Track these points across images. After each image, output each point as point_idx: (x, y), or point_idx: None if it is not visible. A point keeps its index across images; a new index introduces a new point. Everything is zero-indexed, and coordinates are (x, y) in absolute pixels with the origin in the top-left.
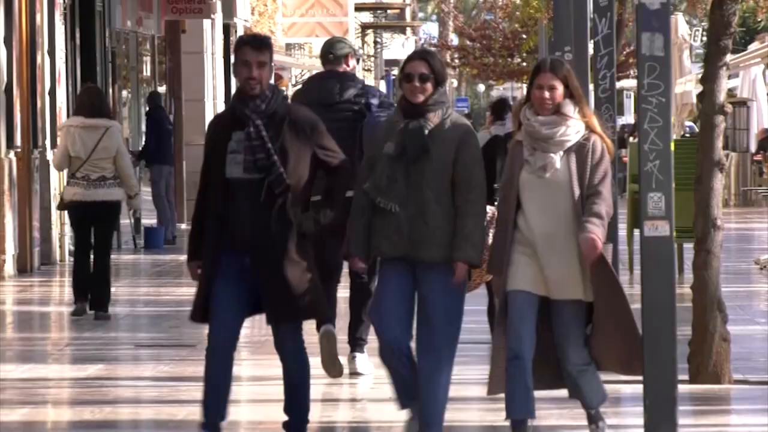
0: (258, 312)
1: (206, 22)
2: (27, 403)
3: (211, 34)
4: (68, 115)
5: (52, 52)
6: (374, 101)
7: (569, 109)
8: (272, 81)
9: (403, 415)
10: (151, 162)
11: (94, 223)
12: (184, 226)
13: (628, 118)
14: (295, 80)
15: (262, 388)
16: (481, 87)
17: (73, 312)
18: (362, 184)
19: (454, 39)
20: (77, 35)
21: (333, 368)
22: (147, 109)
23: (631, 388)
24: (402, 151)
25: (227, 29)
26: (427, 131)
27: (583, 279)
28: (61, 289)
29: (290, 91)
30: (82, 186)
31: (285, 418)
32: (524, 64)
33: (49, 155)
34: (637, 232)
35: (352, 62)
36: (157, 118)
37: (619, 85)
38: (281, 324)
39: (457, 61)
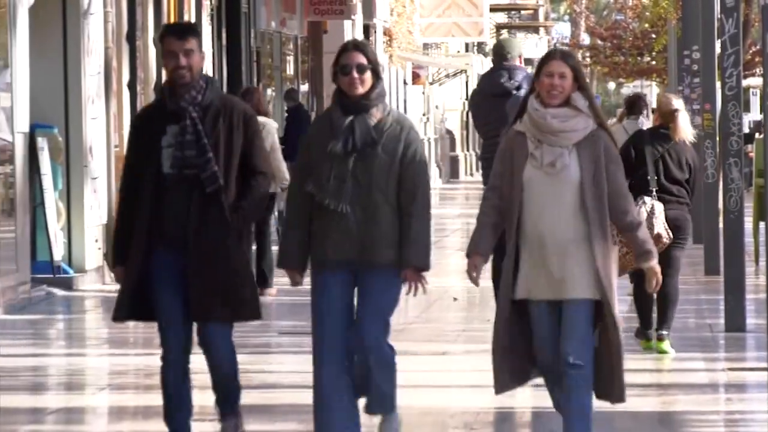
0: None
1: (347, 23)
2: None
3: (352, 34)
4: None
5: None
6: (525, 85)
7: (581, 102)
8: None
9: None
10: (288, 158)
11: None
12: None
13: (755, 115)
14: (432, 78)
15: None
16: (612, 85)
17: None
18: (299, 187)
19: (585, 38)
20: (223, 36)
21: None
22: (286, 107)
23: (756, 375)
24: (352, 148)
25: (367, 29)
26: (369, 126)
27: (594, 279)
28: None
29: (427, 89)
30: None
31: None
32: (653, 62)
33: None
34: (762, 224)
35: (516, 58)
36: (296, 115)
37: (745, 83)
38: (211, 322)
39: (588, 59)
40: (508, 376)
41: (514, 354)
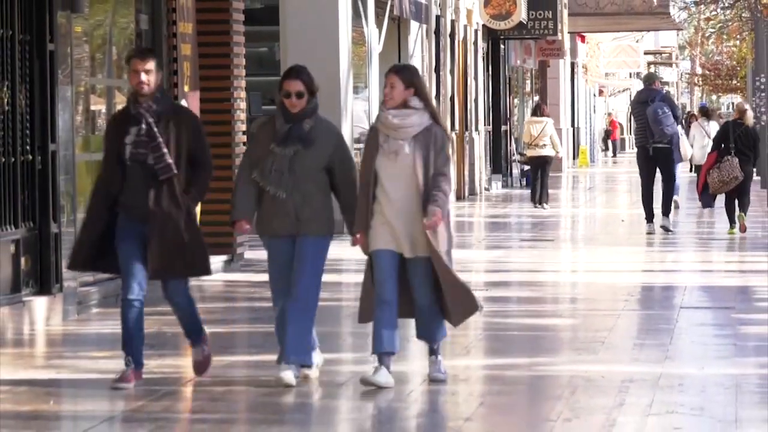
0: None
1: (561, 61)
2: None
3: (563, 68)
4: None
5: (475, 77)
6: (657, 97)
7: (416, 103)
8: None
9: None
10: None
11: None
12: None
13: None
14: (610, 92)
15: None
16: (714, 97)
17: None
18: (248, 172)
19: (698, 70)
20: (490, 68)
21: None
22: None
23: None
24: (291, 147)
25: (573, 65)
26: (305, 132)
27: (426, 239)
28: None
29: (607, 99)
30: (536, 149)
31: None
32: (738, 84)
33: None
34: None
35: (657, 83)
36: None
37: None
38: (170, 278)
39: (700, 82)
40: (370, 309)
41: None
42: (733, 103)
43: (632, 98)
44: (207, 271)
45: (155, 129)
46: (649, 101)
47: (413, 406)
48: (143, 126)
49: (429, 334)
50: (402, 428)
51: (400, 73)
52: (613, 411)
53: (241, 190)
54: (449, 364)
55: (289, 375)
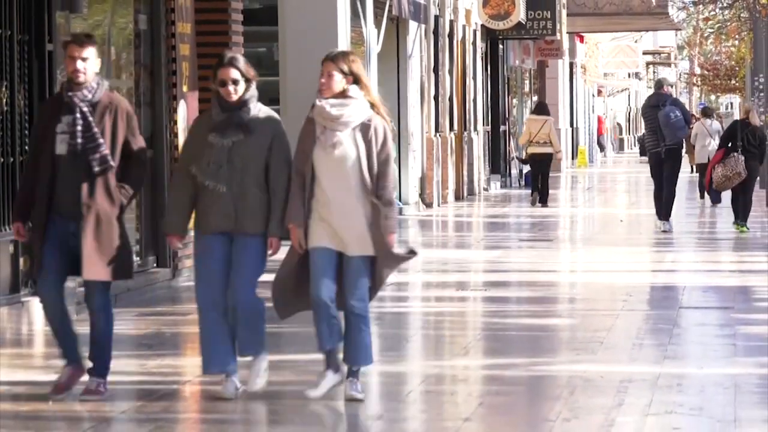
0: (78, 273)
1: (560, 61)
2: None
3: (562, 68)
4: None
5: (474, 77)
6: (668, 101)
7: (356, 93)
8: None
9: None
10: None
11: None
12: None
13: None
14: (608, 92)
15: None
16: (713, 97)
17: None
18: (186, 169)
19: (697, 70)
20: (488, 68)
21: None
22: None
23: None
24: (230, 138)
25: (571, 65)
26: (244, 121)
27: (370, 239)
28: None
29: (605, 99)
30: (537, 146)
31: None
32: (737, 84)
33: (473, 135)
34: None
35: (666, 87)
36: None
37: None
38: (93, 279)
39: (699, 82)
40: (289, 304)
41: (297, 289)
42: (731, 104)
43: (643, 102)
44: (129, 274)
45: (90, 118)
46: (660, 105)
47: (412, 407)
48: (77, 115)
49: (353, 358)
50: (401, 429)
51: (337, 60)
52: (612, 411)
53: (173, 199)
54: (448, 364)
55: (230, 388)
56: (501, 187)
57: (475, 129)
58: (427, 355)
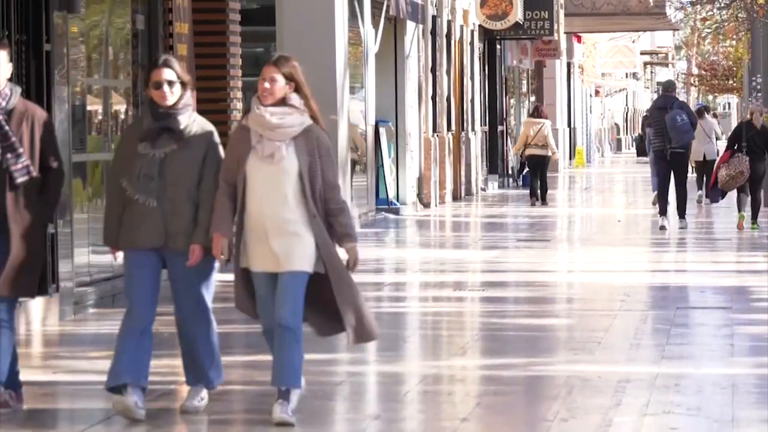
0: None
1: (557, 61)
2: None
3: (559, 68)
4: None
5: (471, 78)
6: (676, 104)
7: (296, 101)
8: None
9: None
10: None
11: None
12: None
13: None
14: (606, 93)
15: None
16: (710, 97)
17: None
18: (117, 181)
19: (694, 70)
20: (486, 68)
21: None
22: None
23: None
24: (162, 149)
25: (569, 65)
26: (178, 130)
27: (310, 254)
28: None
29: (603, 99)
30: (535, 148)
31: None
32: (735, 84)
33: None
34: None
35: (673, 90)
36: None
37: None
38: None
39: (697, 82)
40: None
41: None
42: (729, 104)
43: (650, 104)
44: (33, 293)
45: (7, 127)
46: (668, 108)
47: (409, 407)
48: None
49: (278, 378)
50: (399, 429)
51: (280, 64)
52: (610, 411)
53: (110, 212)
54: (446, 364)
55: (131, 399)
56: (499, 187)
57: (473, 129)
58: (425, 355)
